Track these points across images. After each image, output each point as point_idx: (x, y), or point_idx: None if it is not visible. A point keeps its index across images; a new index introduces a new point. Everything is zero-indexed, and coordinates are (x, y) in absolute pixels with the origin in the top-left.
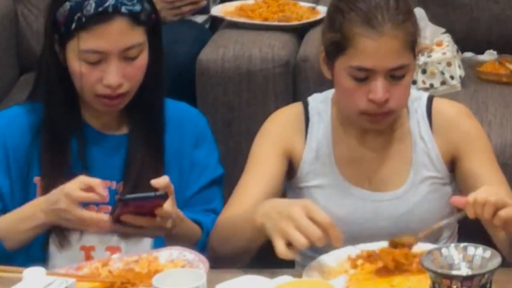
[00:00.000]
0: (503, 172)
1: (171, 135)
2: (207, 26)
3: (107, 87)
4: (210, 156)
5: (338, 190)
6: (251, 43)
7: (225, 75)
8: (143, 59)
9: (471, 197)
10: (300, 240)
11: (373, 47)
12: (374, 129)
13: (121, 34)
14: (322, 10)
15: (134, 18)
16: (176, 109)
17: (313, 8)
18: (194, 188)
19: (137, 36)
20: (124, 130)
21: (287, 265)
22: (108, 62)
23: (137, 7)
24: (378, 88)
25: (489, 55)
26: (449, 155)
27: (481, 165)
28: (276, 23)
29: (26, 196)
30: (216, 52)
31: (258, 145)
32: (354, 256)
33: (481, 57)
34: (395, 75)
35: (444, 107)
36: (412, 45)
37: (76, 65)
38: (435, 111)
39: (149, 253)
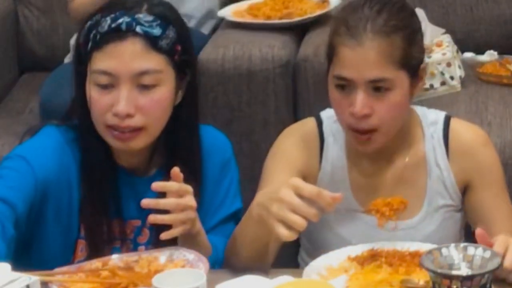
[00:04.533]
0: (503, 172)
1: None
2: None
3: (115, 116)
4: (231, 185)
5: (352, 216)
6: (251, 43)
7: (225, 75)
8: (161, 93)
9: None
10: (298, 222)
11: (352, 57)
12: (366, 152)
13: (133, 56)
14: (333, 1)
15: (151, 41)
16: (204, 136)
17: (323, 1)
18: (212, 221)
19: (153, 62)
20: (153, 170)
21: (287, 265)
22: (119, 87)
23: (156, 31)
24: (357, 100)
25: (490, 56)
26: (463, 183)
27: (491, 199)
28: (275, 21)
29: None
30: (216, 52)
31: (271, 165)
32: (354, 256)
33: (481, 58)
34: (378, 88)
35: (462, 132)
36: (401, 61)
37: (89, 90)
38: (452, 137)
39: (149, 253)
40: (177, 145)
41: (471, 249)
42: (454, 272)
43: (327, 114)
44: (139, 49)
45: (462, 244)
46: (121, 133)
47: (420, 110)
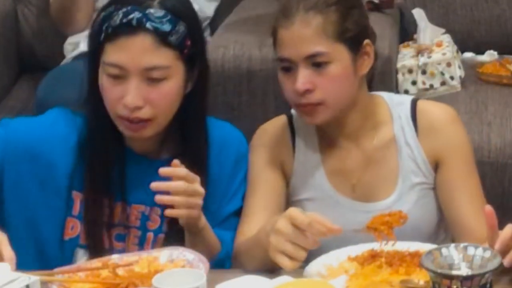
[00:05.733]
0: (503, 172)
1: (212, 157)
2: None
3: (125, 107)
4: (244, 180)
5: (328, 202)
6: (251, 43)
7: (225, 75)
8: (170, 86)
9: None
10: (299, 254)
11: (287, 36)
12: (311, 123)
13: (143, 51)
14: None
15: (161, 37)
16: (219, 130)
17: None
18: (224, 214)
19: (162, 58)
20: (165, 156)
21: None
22: (128, 80)
23: (166, 27)
24: (298, 77)
25: (490, 56)
26: (434, 160)
27: (459, 177)
28: None
29: (59, 204)
30: (216, 52)
31: (253, 163)
32: (354, 256)
33: (481, 58)
34: (316, 63)
35: (430, 109)
36: (336, 34)
37: (101, 79)
38: (420, 115)
39: (149, 253)
40: (187, 133)
41: (471, 249)
42: (454, 272)
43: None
44: (149, 45)
45: (462, 244)
46: (131, 123)
47: (385, 94)
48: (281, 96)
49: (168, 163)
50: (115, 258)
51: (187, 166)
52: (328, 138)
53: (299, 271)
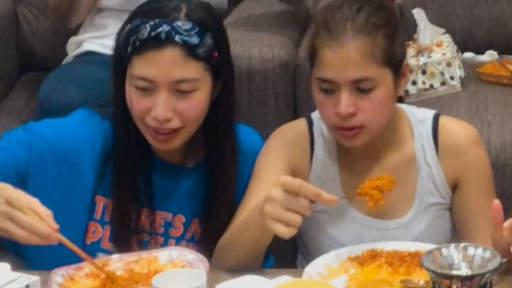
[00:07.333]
0: (503, 172)
1: (243, 165)
2: None
3: (154, 119)
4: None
5: (343, 216)
6: (251, 43)
7: None
8: (199, 98)
9: None
10: (293, 218)
11: (333, 58)
12: (351, 147)
13: (172, 65)
14: None
15: (190, 50)
16: (241, 135)
17: None
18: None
19: (191, 71)
20: (191, 163)
21: (287, 265)
22: (157, 93)
23: (194, 40)
24: (341, 100)
25: (490, 56)
26: (453, 181)
27: (476, 201)
28: None
29: (82, 208)
30: None
31: (262, 164)
32: (354, 256)
33: (481, 58)
34: (361, 88)
35: (452, 128)
36: (383, 58)
37: (128, 91)
38: (442, 134)
39: (149, 253)
40: (213, 140)
41: (471, 249)
42: (454, 272)
43: (318, 115)
44: (178, 58)
45: (462, 244)
46: (160, 134)
47: (408, 108)
48: (281, 96)
49: (192, 171)
50: (115, 258)
51: (213, 173)
52: (348, 151)
53: (299, 271)
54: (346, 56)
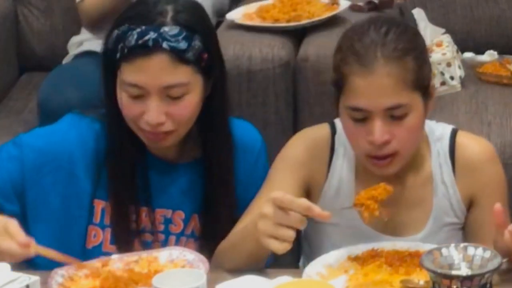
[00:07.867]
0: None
1: (238, 160)
2: None
3: (147, 124)
4: (263, 178)
5: (355, 231)
6: (251, 43)
7: None
8: (190, 101)
9: None
10: (286, 234)
11: (365, 86)
12: (382, 174)
13: (161, 71)
14: (343, 3)
15: (178, 55)
16: (241, 131)
17: (333, 4)
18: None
19: (180, 76)
20: (186, 159)
21: (287, 265)
22: (148, 98)
23: (182, 45)
24: (375, 129)
25: (490, 56)
26: (468, 199)
27: (492, 220)
28: (283, 24)
29: (81, 213)
30: None
31: (279, 171)
32: (354, 256)
33: (481, 58)
34: (395, 115)
35: (469, 145)
36: (414, 83)
37: (119, 95)
38: (459, 151)
39: (149, 253)
40: (208, 136)
41: (471, 249)
42: (454, 272)
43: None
44: (166, 64)
45: (462, 244)
46: (154, 135)
47: (427, 125)
48: (281, 96)
49: (189, 167)
50: (115, 258)
51: (209, 169)
52: (366, 168)
53: (299, 271)
54: (379, 83)
